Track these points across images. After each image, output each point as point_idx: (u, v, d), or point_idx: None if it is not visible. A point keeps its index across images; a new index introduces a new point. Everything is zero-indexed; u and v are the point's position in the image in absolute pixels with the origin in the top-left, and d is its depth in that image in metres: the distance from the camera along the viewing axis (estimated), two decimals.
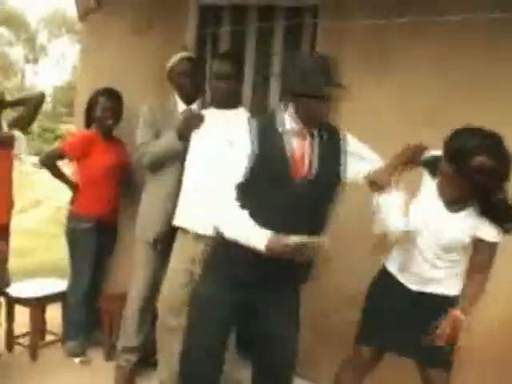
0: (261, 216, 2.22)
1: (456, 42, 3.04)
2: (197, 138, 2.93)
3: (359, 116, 3.00)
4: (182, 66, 3.13)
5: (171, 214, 2.98)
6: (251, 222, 2.20)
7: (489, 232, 2.34)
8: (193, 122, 2.95)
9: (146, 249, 3.17)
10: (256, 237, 2.16)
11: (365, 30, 3.19)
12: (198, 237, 2.84)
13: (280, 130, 2.29)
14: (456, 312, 2.34)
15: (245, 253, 2.20)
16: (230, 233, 2.24)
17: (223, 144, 2.73)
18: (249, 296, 2.33)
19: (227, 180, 2.33)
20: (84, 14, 4.36)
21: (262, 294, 2.34)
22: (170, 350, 2.92)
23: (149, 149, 3.04)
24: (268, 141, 2.28)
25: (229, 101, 2.93)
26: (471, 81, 3.01)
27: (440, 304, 2.43)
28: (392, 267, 2.56)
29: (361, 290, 3.20)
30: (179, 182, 2.98)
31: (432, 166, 2.44)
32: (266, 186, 2.27)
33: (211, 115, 2.95)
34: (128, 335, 3.25)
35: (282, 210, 2.25)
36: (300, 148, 2.30)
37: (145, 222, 3.18)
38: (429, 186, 2.46)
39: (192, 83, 3.13)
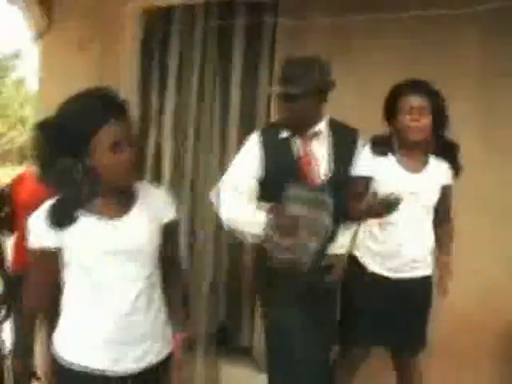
0: None
1: (418, 38, 3.05)
2: None
3: None
4: None
5: None
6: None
7: (449, 175, 2.52)
8: None
9: None
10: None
11: (325, 28, 3.16)
12: None
13: (283, 137, 2.33)
14: (445, 259, 2.53)
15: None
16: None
17: None
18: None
19: None
20: (37, 37, 4.39)
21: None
22: None
23: None
24: (275, 151, 2.32)
25: None
26: (434, 77, 3.01)
27: (421, 288, 2.50)
28: (366, 257, 2.50)
29: None
30: None
31: (383, 144, 2.48)
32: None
33: None
34: None
35: None
36: (307, 152, 2.32)
37: None
38: (385, 166, 2.45)
39: None
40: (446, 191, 2.51)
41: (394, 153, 2.46)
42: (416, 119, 2.38)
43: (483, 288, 2.92)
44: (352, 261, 2.50)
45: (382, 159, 2.45)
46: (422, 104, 2.38)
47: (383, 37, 3.09)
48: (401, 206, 2.23)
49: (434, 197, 2.47)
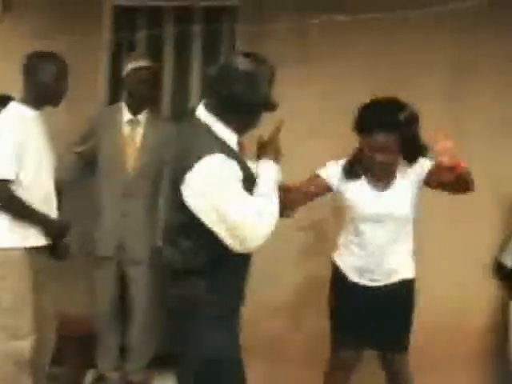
0: None
1: (385, 39, 3.11)
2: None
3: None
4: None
5: None
6: None
7: (425, 165, 2.50)
8: None
9: None
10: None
11: (285, 32, 3.16)
12: None
13: None
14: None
15: None
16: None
17: None
18: None
19: None
20: None
21: None
22: None
23: None
24: None
25: None
26: (399, 78, 3.08)
27: (400, 290, 2.61)
28: (345, 267, 2.66)
29: (285, 300, 3.12)
30: None
31: (351, 168, 2.57)
32: None
33: None
34: None
35: None
36: None
37: None
38: (354, 188, 2.55)
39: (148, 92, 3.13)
40: (434, 172, 2.41)
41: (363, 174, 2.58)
42: (382, 157, 2.43)
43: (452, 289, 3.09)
44: (335, 271, 2.68)
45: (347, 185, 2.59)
46: (387, 143, 2.39)
47: (343, 39, 3.15)
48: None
49: (405, 208, 2.54)
